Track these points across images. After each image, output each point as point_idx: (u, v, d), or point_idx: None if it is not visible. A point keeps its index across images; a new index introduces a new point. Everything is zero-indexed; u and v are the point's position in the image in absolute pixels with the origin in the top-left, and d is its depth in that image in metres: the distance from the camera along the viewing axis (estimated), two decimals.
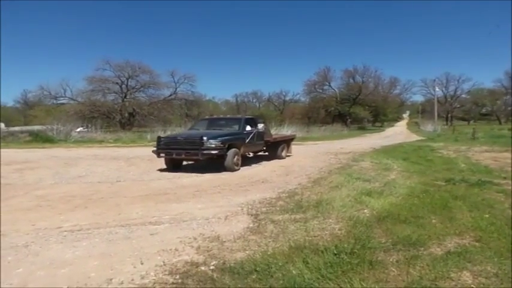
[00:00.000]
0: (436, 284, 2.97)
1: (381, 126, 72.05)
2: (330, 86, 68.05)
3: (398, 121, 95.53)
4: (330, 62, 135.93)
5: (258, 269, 3.17)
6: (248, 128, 11.52)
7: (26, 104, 70.20)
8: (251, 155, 12.64)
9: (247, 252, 3.68)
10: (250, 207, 5.64)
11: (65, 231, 4.49)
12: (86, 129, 34.30)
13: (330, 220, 4.80)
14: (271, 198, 6.23)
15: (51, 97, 49.78)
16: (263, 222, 4.75)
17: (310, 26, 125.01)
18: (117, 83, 49.93)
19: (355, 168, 10.19)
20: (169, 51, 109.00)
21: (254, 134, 11.45)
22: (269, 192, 6.82)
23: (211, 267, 3.29)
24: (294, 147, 20.07)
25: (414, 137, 33.00)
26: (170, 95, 53.56)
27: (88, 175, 9.50)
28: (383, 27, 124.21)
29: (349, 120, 63.37)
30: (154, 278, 3.10)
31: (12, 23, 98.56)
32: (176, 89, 53.70)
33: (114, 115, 47.84)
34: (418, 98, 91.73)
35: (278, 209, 5.48)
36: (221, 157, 9.82)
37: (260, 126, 11.88)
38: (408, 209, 5.37)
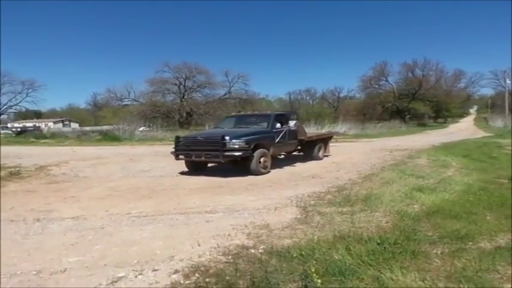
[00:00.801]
0: (480, 276, 3.00)
1: (444, 123, 67.74)
2: (387, 81, 65.48)
3: (464, 117, 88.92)
4: (387, 56, 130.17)
5: (302, 253, 3.42)
6: (279, 125, 10.34)
7: (95, 105, 76.29)
8: (282, 156, 11.73)
9: (293, 239, 3.94)
10: (299, 200, 5.88)
11: (133, 216, 5.10)
12: (147, 128, 36.58)
13: (377, 213, 4.89)
14: (320, 192, 6.41)
15: (117, 99, 53.82)
16: (310, 214, 4.97)
17: (365, 19, 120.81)
18: (175, 84, 52.63)
19: (409, 165, 9.95)
20: (223, 51, 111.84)
21: (285, 133, 10.25)
22: (318, 186, 6.99)
23: (260, 251, 3.61)
24: (347, 144, 19.87)
25: (481, 134, 30.75)
26: (225, 94, 55.24)
27: (151, 170, 10.33)
28: (444, 16, 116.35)
29: (407, 116, 60.49)
30: (209, 257, 3.49)
31: (86, 35, 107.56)
32: (230, 88, 55.30)
33: (173, 114, 50.44)
34: (488, 92, 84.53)
35: (326, 202, 5.66)
36: (246, 159, 8.83)
37: (292, 123, 10.67)
38: (462, 205, 5.26)
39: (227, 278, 2.99)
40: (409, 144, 18.61)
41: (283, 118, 10.89)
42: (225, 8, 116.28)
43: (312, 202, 5.69)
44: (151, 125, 38.70)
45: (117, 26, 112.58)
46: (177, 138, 9.85)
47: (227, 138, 8.77)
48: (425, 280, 2.92)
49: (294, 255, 3.39)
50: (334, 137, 26.74)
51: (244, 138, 8.91)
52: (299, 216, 4.92)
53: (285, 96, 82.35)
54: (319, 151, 12.20)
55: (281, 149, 10.71)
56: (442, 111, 69.12)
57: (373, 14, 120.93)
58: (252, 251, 3.62)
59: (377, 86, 66.51)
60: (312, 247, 3.57)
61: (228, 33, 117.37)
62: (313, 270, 2.80)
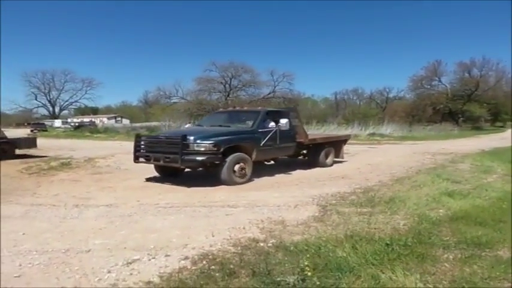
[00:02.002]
0: (488, 283, 2.92)
1: (502, 127, 62.84)
2: (439, 81, 61.93)
3: None
4: (441, 55, 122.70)
5: (308, 249, 3.51)
6: (272, 124, 8.57)
7: (146, 103, 79.92)
8: (272, 162, 9.75)
9: (304, 236, 4.02)
10: (321, 199, 5.92)
11: (160, 207, 5.45)
12: (192, 126, 37.78)
13: (397, 216, 4.81)
14: (344, 193, 6.38)
15: (165, 97, 56.14)
16: (328, 213, 5.01)
17: (418, 16, 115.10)
18: (221, 83, 53.86)
19: (449, 169, 9.51)
20: (269, 50, 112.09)
21: (276, 134, 8.41)
22: (345, 187, 6.95)
23: (269, 244, 3.74)
24: (389, 146, 19.23)
25: None
26: (269, 93, 55.50)
27: None
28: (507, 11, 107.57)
29: (461, 118, 56.93)
30: (219, 247, 3.69)
31: (140, 36, 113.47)
32: (275, 87, 55.42)
33: None
34: None
35: (348, 202, 5.65)
36: (215, 165, 7.29)
37: (283, 121, 8.60)
38: (491, 212, 5.02)
39: (231, 266, 3.16)
40: (457, 148, 17.65)
41: (279, 116, 8.98)
42: (270, 7, 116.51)
43: (334, 202, 5.70)
44: (195, 122, 39.94)
45: (168, 27, 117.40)
46: (137, 137, 8.41)
47: (191, 138, 7.22)
48: (426, 283, 2.89)
49: (300, 250, 3.49)
50: (376, 138, 26.21)
51: (213, 139, 7.31)
52: (316, 214, 4.97)
53: (331, 96, 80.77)
54: (326, 157, 10.40)
55: (270, 154, 8.86)
56: (501, 114, 64.24)
57: (427, 10, 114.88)
58: (261, 244, 3.77)
59: (428, 87, 63.20)
60: (319, 244, 3.64)
61: (274, 32, 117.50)
62: (306, 263, 2.88)
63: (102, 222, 4.64)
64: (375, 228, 4.27)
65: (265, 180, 8.07)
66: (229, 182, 7.26)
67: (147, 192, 6.56)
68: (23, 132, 24.46)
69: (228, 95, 53.62)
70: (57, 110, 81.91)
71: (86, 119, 63.28)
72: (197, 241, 3.89)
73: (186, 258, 3.40)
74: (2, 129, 13.81)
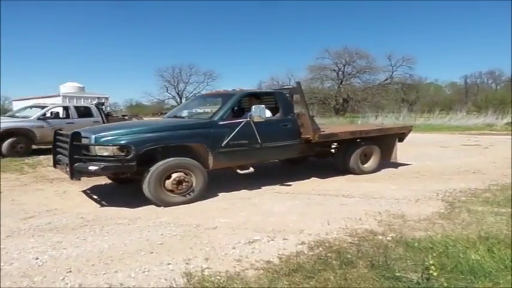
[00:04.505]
0: None
1: None
2: None
3: None
4: None
5: (434, 247, 3.25)
6: (269, 114, 6.11)
7: None
8: (251, 169, 5.88)
9: (428, 232, 3.74)
10: (447, 194, 5.39)
11: (276, 192, 5.72)
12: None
13: None
14: (476, 189, 5.68)
15: (278, 86, 57.60)
16: (457, 210, 4.54)
17: None
18: (334, 70, 52.77)
19: None
20: (386, 32, 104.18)
21: (250, 128, 5.64)
22: (477, 183, 6.18)
23: (388, 238, 3.60)
24: None
25: None
26: (385, 80, 52.26)
27: None
28: None
29: None
30: (335, 236, 3.70)
31: (253, 27, 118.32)
32: (392, 72, 51.93)
33: (330, 101, 50.81)
34: None
35: (481, 200, 5.02)
36: (134, 177, 5.21)
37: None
38: None
39: (348, 256, 3.14)
40: None
41: (270, 100, 6.28)
42: None
43: (463, 198, 5.14)
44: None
45: (280, 17, 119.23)
46: (56, 134, 5.74)
47: (92, 137, 4.89)
48: None
49: (424, 247, 3.27)
50: None
51: (124, 138, 4.89)
52: (442, 210, 4.56)
53: (460, 80, 71.47)
54: (365, 159, 7.24)
55: (244, 158, 5.87)
56: None
57: None
58: (380, 237, 3.64)
59: None
60: (446, 243, 3.35)
61: (391, 13, 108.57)
62: (431, 262, 2.68)
63: (225, 203, 5.08)
64: None
65: (381, 171, 7.67)
66: (159, 202, 4.91)
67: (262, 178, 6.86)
68: None
69: (341, 83, 52.25)
70: (183, 101, 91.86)
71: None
72: (313, 228, 3.96)
73: (303, 243, 3.51)
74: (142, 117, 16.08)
